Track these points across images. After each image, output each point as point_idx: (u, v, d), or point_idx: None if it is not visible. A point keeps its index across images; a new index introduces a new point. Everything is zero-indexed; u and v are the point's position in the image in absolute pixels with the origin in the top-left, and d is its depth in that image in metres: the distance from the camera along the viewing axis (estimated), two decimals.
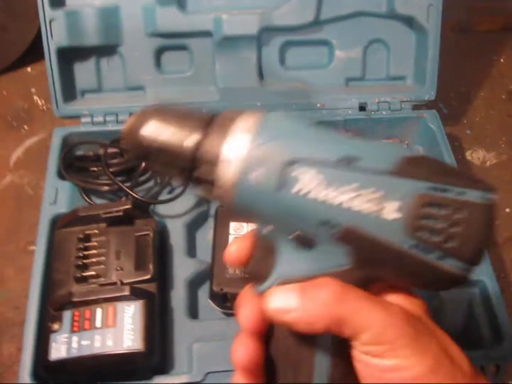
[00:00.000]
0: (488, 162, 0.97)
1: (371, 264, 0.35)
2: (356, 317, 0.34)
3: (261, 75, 0.90)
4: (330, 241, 0.35)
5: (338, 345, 0.37)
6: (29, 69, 1.08)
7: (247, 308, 0.39)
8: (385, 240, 0.33)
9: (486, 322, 0.72)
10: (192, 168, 0.36)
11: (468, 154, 0.98)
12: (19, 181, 0.92)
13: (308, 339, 0.37)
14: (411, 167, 0.34)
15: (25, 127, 1.00)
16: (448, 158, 0.84)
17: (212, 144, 0.35)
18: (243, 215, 0.39)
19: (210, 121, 0.36)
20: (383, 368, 0.35)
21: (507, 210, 0.91)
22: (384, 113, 0.89)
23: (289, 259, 0.37)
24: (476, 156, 0.97)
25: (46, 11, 0.81)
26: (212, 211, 0.81)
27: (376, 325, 0.34)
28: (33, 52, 1.06)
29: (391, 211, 0.33)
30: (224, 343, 0.66)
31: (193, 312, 0.73)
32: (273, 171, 0.34)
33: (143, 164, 0.80)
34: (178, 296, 0.73)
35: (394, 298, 0.38)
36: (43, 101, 1.03)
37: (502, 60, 1.12)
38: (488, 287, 0.73)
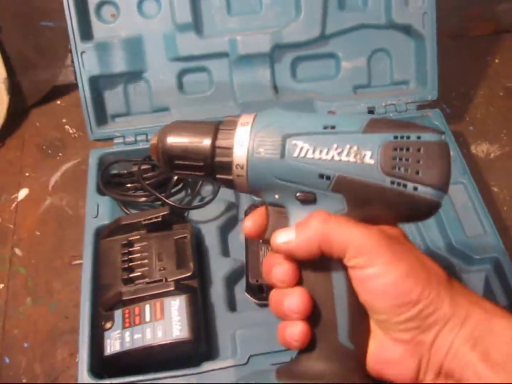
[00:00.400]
0: (492, 154, 1.04)
1: (362, 205, 0.44)
2: (339, 234, 0.43)
3: (275, 88, 0.97)
4: (327, 193, 0.44)
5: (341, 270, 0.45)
6: (58, 102, 1.16)
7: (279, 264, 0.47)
8: (368, 181, 0.43)
9: (503, 294, 0.78)
10: (213, 157, 0.46)
11: (473, 148, 1.04)
12: (58, 203, 1.00)
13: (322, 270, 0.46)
14: (376, 126, 0.44)
15: (60, 154, 1.08)
16: (456, 153, 0.90)
17: (224, 136, 0.46)
18: (256, 189, 0.48)
19: (218, 124, 0.47)
20: (367, 276, 0.42)
21: None
22: (391, 115, 0.96)
23: (297, 216, 0.46)
24: (480, 149, 1.04)
25: (77, 44, 0.90)
26: (241, 215, 0.88)
27: (356, 240, 0.43)
28: (61, 87, 1.15)
29: (367, 158, 0.43)
30: (263, 329, 0.73)
31: (231, 305, 0.79)
32: (276, 144, 0.45)
33: (175, 177, 0.87)
34: (217, 292, 0.79)
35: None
36: (74, 130, 1.11)
37: (497, 61, 1.19)
38: (501, 261, 0.79)
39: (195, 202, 0.90)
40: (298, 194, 0.45)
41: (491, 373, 0.40)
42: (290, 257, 0.46)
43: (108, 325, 0.72)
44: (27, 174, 1.05)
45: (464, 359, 0.41)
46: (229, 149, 0.46)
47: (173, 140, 0.48)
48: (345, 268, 0.44)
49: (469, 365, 0.40)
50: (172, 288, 0.73)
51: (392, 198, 0.43)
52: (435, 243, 0.83)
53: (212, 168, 0.47)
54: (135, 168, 0.90)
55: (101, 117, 0.94)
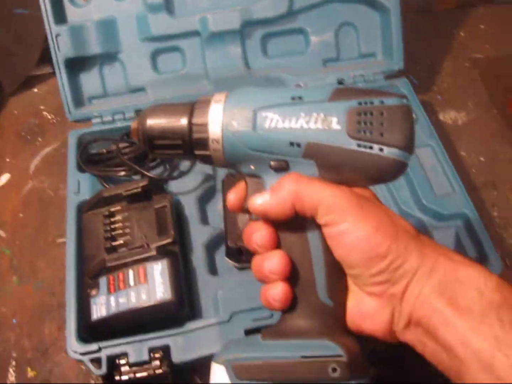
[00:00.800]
0: (459, 121, 1.07)
1: (332, 169, 0.47)
2: (310, 193, 0.46)
3: (247, 65, 1.00)
4: (298, 160, 0.47)
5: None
6: (35, 89, 1.18)
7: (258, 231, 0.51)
8: (336, 146, 0.46)
9: (472, 247, 0.81)
10: (190, 134, 0.49)
11: (441, 116, 1.08)
12: (40, 186, 1.02)
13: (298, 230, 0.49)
14: (341, 94, 0.47)
15: (39, 139, 1.09)
16: (423, 118, 0.94)
17: (200, 114, 0.49)
18: (232, 162, 0.50)
19: (193, 104, 0.50)
20: (339, 232, 0.45)
21: (481, 159, 1.01)
22: (360, 85, 0.99)
23: (272, 184, 0.49)
24: (448, 117, 1.08)
25: (52, 28, 0.92)
26: (219, 186, 0.91)
27: (327, 198, 0.45)
28: (37, 75, 1.18)
29: (334, 124, 0.46)
30: (244, 289, 0.76)
31: (212, 270, 0.82)
32: (248, 117, 0.47)
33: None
34: (198, 258, 0.82)
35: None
36: (52, 116, 1.13)
37: (462, 34, 1.23)
38: (470, 216, 0.82)
39: (173, 175, 0.92)
40: (272, 163, 0.48)
41: (457, 317, 0.41)
42: (267, 218, 0.49)
43: (93, 292, 0.74)
44: (7, 160, 1.06)
45: (431, 306, 0.43)
46: (205, 125, 0.48)
47: (152, 121, 0.50)
48: (319, 227, 0.47)
49: (436, 311, 0.42)
50: (154, 253, 0.75)
51: (360, 161, 0.46)
52: (406, 203, 0.86)
53: (190, 145, 0.50)
54: (113, 147, 0.93)
55: (78, 98, 0.96)
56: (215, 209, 0.89)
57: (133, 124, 0.52)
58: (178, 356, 0.71)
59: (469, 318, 0.41)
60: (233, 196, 0.53)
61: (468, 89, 1.13)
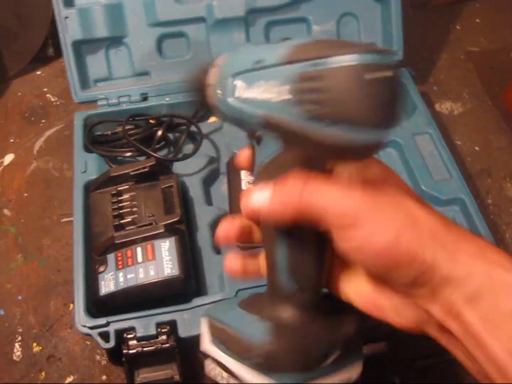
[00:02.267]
0: (455, 111, 1.10)
1: (294, 145, 0.39)
2: (318, 197, 0.38)
3: None
4: (266, 132, 0.41)
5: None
6: (39, 72, 1.19)
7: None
8: (289, 119, 0.37)
9: None
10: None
11: (437, 106, 1.11)
12: (44, 166, 1.03)
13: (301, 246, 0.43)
14: (301, 52, 0.37)
15: (43, 121, 1.11)
16: (421, 106, 0.97)
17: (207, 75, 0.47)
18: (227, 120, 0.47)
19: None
20: (356, 244, 0.38)
21: (477, 148, 1.04)
22: None
23: (258, 156, 0.44)
24: (444, 107, 1.11)
25: (61, 10, 0.93)
26: (223, 168, 0.93)
27: (337, 203, 0.38)
28: (42, 58, 1.19)
29: (286, 94, 0.37)
30: None
31: (217, 249, 0.84)
32: (223, 86, 0.44)
33: (159, 132, 0.91)
34: (203, 237, 0.84)
35: (370, 170, 0.42)
36: (56, 98, 1.14)
37: (458, 27, 1.27)
38: (466, 202, 0.85)
39: (178, 157, 0.94)
40: (247, 134, 0.45)
41: (491, 337, 0.35)
42: (265, 221, 0.43)
43: (101, 268, 0.76)
44: (11, 140, 1.08)
45: (464, 320, 0.37)
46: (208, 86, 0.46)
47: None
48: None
49: (469, 328, 0.36)
50: (162, 231, 0.77)
51: (317, 138, 0.36)
52: None
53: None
54: (119, 129, 0.94)
55: (84, 81, 0.98)
56: (219, 190, 0.91)
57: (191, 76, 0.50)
58: (185, 331, 0.73)
59: (504, 337, 0.35)
60: (244, 155, 0.48)
61: (463, 81, 1.16)
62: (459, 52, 1.21)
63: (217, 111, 0.46)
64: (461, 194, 0.86)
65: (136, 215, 0.80)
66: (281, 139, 0.40)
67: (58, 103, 1.14)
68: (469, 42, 1.23)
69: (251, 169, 0.47)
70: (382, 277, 0.40)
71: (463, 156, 1.02)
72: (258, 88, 0.39)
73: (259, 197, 0.41)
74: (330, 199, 0.38)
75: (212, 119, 0.99)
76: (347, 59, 0.34)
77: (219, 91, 0.44)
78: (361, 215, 0.37)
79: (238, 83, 0.42)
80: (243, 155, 0.48)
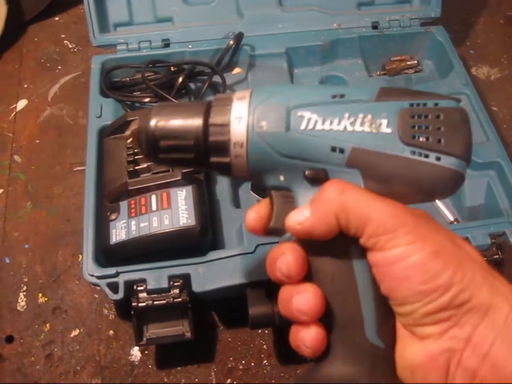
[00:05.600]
0: (492, 77, 1.04)
1: (380, 181, 0.40)
2: (358, 207, 0.38)
3: (280, 1, 0.96)
4: (340, 169, 0.40)
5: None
6: (56, 18, 1.14)
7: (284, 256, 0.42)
8: (386, 152, 0.39)
9: (505, 197, 0.79)
10: (206, 137, 0.42)
11: (473, 71, 1.05)
12: (58, 113, 0.99)
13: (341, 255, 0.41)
14: (388, 94, 0.40)
15: (59, 67, 1.06)
16: (458, 66, 0.91)
17: (219, 113, 0.42)
18: (257, 172, 0.43)
19: (209, 103, 0.43)
20: (389, 260, 0.37)
21: None
22: (395, 29, 0.96)
23: (306, 199, 0.41)
24: (481, 71, 1.05)
25: None
26: None
27: (377, 216, 0.37)
28: (60, 4, 1.14)
29: (384, 127, 0.39)
30: None
31: (236, 202, 0.80)
32: (280, 116, 0.40)
33: (180, 79, 0.86)
34: (222, 190, 0.80)
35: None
36: (73, 44, 1.10)
37: None
38: (503, 166, 0.79)
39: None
40: (307, 172, 0.41)
41: None
42: (309, 238, 0.40)
43: (113, 216, 0.72)
44: (25, 86, 1.03)
45: (506, 371, 0.34)
46: (226, 125, 0.41)
47: (158, 122, 0.43)
48: (363, 251, 0.40)
49: None
50: (179, 178, 0.73)
51: (414, 171, 0.39)
52: None
53: (205, 151, 0.43)
54: (138, 75, 0.90)
55: (104, 24, 0.93)
56: None
57: (133, 125, 0.44)
58: (199, 286, 0.68)
59: None
60: (254, 215, 0.46)
61: (502, 46, 1.10)
62: (499, 16, 1.15)
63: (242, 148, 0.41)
64: (499, 158, 0.80)
65: (152, 162, 0.76)
66: (363, 175, 0.40)
67: (75, 49, 1.09)
68: (509, 7, 1.17)
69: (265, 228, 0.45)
70: (412, 313, 0.37)
71: (499, 123, 0.97)
72: (342, 120, 0.39)
73: (301, 215, 0.40)
74: (372, 210, 0.38)
75: (237, 70, 0.94)
76: (449, 103, 0.40)
77: (264, 124, 0.40)
78: (400, 231, 0.37)
79: (307, 114, 0.40)
80: (259, 213, 0.46)
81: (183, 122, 0.43)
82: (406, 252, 0.36)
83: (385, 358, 0.40)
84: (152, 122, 0.43)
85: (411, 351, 0.38)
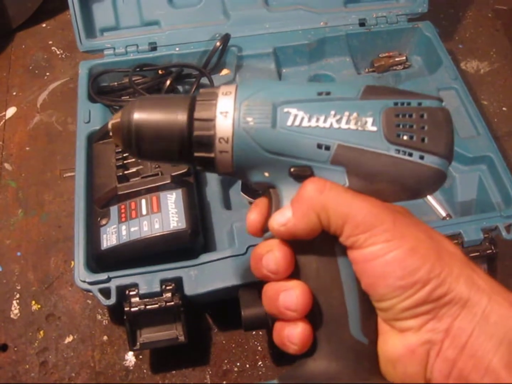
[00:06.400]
0: (482, 70, 1.04)
1: (364, 178, 0.40)
2: (337, 207, 0.38)
3: (266, 1, 0.96)
4: (326, 166, 0.40)
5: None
6: (44, 24, 1.14)
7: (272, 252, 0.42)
8: (371, 150, 0.39)
9: (496, 191, 0.79)
10: (190, 132, 0.41)
11: (462, 65, 1.05)
12: (47, 120, 0.98)
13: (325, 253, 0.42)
14: (373, 92, 0.41)
15: (47, 74, 1.06)
16: (447, 61, 0.91)
17: (204, 108, 0.41)
18: (241, 168, 0.42)
19: (193, 97, 0.42)
20: (367, 257, 0.37)
21: (504, 109, 0.98)
22: (382, 26, 0.96)
23: (290, 196, 0.42)
24: (470, 66, 1.05)
25: None
26: None
27: (355, 214, 0.38)
28: (47, 11, 1.14)
29: (369, 125, 0.39)
30: None
31: (227, 204, 0.79)
32: (266, 112, 0.40)
33: (168, 81, 0.86)
34: (213, 192, 0.80)
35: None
36: (61, 51, 1.09)
37: None
38: (494, 160, 0.79)
39: None
40: (292, 169, 0.41)
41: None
42: (293, 238, 0.41)
43: (103, 221, 0.72)
44: (14, 93, 1.03)
45: (484, 361, 0.34)
46: (211, 120, 0.41)
47: (140, 115, 0.42)
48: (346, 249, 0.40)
49: (489, 372, 0.34)
50: (168, 181, 0.73)
51: (397, 169, 0.39)
52: None
53: (188, 146, 0.42)
54: (125, 79, 0.89)
55: (90, 29, 0.92)
56: None
57: (115, 118, 0.43)
58: (191, 289, 0.68)
59: None
60: (255, 216, 0.45)
61: (491, 39, 1.10)
62: (486, 10, 1.15)
63: (229, 142, 0.41)
64: (489, 152, 0.80)
65: (141, 166, 0.76)
66: (348, 173, 0.40)
67: (63, 56, 1.08)
68: (496, 0, 1.16)
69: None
70: (392, 308, 0.38)
71: (489, 117, 0.96)
72: (328, 118, 0.39)
73: (282, 216, 0.40)
74: (350, 208, 0.38)
75: (225, 71, 0.94)
76: (433, 103, 0.40)
77: (250, 119, 0.40)
78: (378, 229, 0.37)
79: (293, 111, 0.40)
80: (260, 214, 0.45)
81: (167, 116, 0.42)
82: (384, 249, 0.37)
83: (369, 354, 0.41)
84: (136, 116, 0.42)
85: (392, 345, 0.39)
